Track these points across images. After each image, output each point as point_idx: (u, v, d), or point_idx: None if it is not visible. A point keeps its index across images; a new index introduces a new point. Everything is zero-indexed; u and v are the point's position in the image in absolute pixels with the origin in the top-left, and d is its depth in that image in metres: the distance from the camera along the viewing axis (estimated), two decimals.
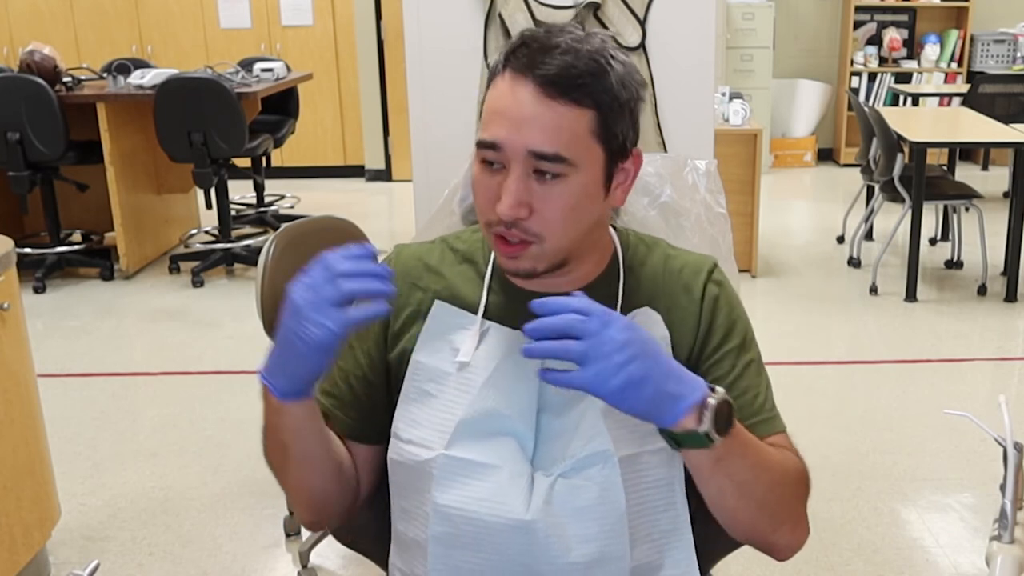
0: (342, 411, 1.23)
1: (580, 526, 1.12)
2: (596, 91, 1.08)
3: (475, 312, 1.20)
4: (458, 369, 1.17)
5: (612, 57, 1.10)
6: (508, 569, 1.13)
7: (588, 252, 1.18)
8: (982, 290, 4.62)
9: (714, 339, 1.21)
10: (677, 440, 1.04)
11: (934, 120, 5.59)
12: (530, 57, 1.08)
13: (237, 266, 5.24)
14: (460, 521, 1.13)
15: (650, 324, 1.18)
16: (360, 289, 1.02)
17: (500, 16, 2.71)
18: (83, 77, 5.16)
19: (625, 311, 1.19)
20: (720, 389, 1.05)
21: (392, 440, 1.20)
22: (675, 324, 1.20)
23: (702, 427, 1.02)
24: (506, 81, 1.10)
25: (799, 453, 1.21)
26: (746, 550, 1.40)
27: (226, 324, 4.44)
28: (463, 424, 1.14)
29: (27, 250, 4.93)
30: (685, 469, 1.17)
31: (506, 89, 1.09)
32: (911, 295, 4.52)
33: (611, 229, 1.24)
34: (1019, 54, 7.49)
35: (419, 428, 1.17)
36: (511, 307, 1.20)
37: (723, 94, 4.91)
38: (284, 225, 2.21)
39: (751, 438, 1.11)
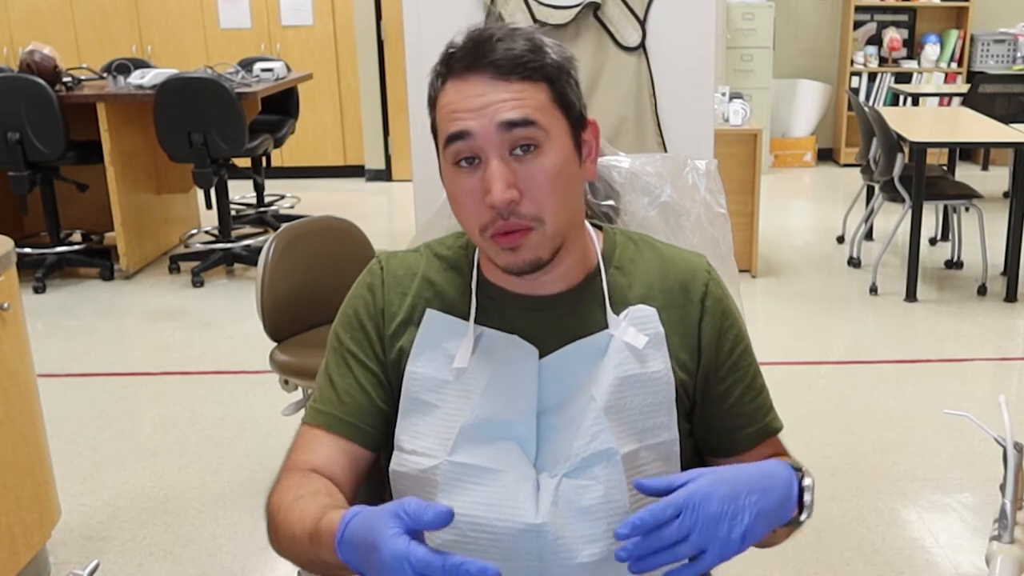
0: (358, 418, 1.19)
1: (587, 526, 1.11)
2: (542, 65, 1.10)
3: (466, 318, 1.19)
4: (456, 376, 1.16)
5: (543, 36, 1.13)
6: (520, 575, 1.11)
7: (574, 241, 1.17)
8: (982, 290, 4.62)
9: (727, 343, 1.22)
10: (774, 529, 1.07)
11: (934, 120, 5.58)
12: (471, 54, 1.09)
13: (237, 266, 5.24)
14: (467, 528, 1.11)
15: (644, 321, 1.18)
16: None
17: (500, 16, 2.71)
18: (83, 77, 5.16)
19: (617, 309, 1.19)
20: (802, 466, 1.09)
21: (395, 453, 1.18)
22: (673, 323, 1.20)
23: (804, 515, 1.08)
24: (452, 86, 1.10)
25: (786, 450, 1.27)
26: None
27: (226, 324, 4.44)
28: (465, 430, 1.14)
29: (27, 250, 4.93)
30: (681, 462, 1.18)
31: (456, 90, 1.10)
32: (911, 295, 4.52)
33: (593, 229, 1.24)
34: (1019, 54, 7.49)
35: (422, 438, 1.16)
36: (499, 312, 1.19)
37: (723, 94, 4.90)
38: (284, 225, 2.22)
39: None
